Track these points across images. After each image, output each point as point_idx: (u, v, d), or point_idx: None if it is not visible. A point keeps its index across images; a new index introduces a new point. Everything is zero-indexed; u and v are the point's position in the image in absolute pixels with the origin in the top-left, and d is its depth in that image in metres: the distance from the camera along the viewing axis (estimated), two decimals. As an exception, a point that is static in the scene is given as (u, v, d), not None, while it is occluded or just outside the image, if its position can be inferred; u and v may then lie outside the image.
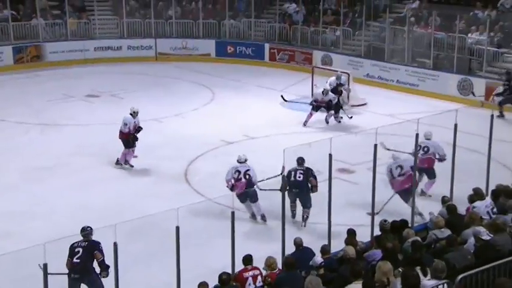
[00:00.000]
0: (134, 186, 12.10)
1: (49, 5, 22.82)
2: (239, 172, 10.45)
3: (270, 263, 7.34)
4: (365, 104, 16.81)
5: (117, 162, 12.96)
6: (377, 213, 9.10)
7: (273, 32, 22.46)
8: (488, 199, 8.67)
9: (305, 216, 10.32)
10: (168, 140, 14.22)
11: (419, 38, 19.35)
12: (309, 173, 10.34)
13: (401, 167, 10.22)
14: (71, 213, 10.72)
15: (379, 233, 8.06)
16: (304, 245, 7.94)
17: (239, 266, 7.44)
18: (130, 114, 12.96)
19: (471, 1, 19.72)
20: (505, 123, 13.76)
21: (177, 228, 6.76)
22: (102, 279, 7.67)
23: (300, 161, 10.45)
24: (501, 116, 15.60)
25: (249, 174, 10.36)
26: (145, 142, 13.93)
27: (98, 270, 7.78)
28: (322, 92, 15.42)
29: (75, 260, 7.71)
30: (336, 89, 16.03)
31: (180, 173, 12.67)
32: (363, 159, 11.74)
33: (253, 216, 10.54)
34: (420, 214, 9.70)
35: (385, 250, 7.09)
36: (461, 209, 8.71)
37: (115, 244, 6.58)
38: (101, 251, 7.68)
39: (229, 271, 7.27)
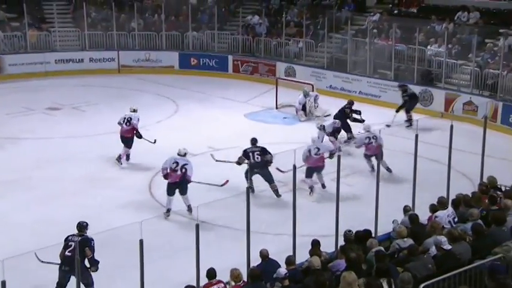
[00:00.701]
0: (97, 199, 11.94)
1: (7, 16, 22.39)
2: (177, 163, 11.04)
3: (235, 275, 7.33)
4: (328, 115, 16.95)
5: (118, 159, 13.41)
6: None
7: (237, 44, 22.53)
8: (450, 208, 8.82)
9: (274, 189, 11.50)
10: (131, 153, 14.09)
11: (380, 49, 19.66)
12: (265, 152, 11.67)
13: (318, 148, 11.82)
14: (33, 228, 10.52)
15: (344, 243, 8.13)
16: (270, 256, 7.95)
17: (204, 278, 7.40)
18: (131, 112, 13.54)
19: (429, 14, 20.17)
20: (464, 133, 14.04)
21: (141, 241, 6.71)
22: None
23: (254, 141, 11.87)
24: (410, 125, 15.69)
25: (185, 168, 10.97)
26: (109, 154, 13.82)
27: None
28: (321, 128, 13.87)
29: (67, 253, 8.13)
30: (344, 112, 15.13)
31: (144, 186, 12.57)
32: (326, 170, 11.83)
33: (168, 211, 11.00)
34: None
35: (348, 260, 7.15)
36: (423, 218, 8.85)
37: (77, 259, 6.48)
38: (92, 248, 8.15)
39: (194, 284, 7.23)
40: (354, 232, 8.25)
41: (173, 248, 9.82)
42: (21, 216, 11.05)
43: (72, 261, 7.83)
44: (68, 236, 8.28)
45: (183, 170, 10.95)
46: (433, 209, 8.92)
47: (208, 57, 22.44)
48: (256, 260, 7.88)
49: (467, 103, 16.90)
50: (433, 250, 7.28)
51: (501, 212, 8.05)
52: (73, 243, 8.06)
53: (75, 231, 8.36)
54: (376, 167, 10.01)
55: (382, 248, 7.66)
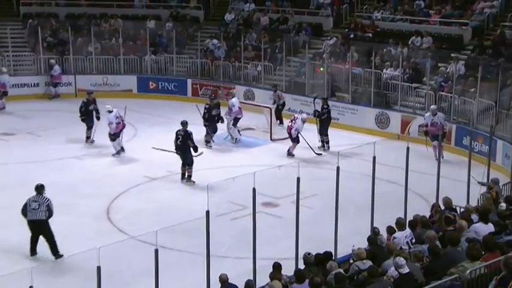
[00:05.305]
0: (53, 225, 11.62)
1: (-41, 41, 22.02)
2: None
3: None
4: (286, 138, 17.06)
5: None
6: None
7: (195, 68, 22.57)
8: (407, 229, 8.93)
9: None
10: (89, 178, 13.91)
11: (337, 73, 19.96)
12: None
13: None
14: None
15: (304, 266, 8.14)
16: (230, 280, 7.90)
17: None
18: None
19: (384, 38, 20.62)
20: (421, 155, 14.30)
21: (98, 268, 6.59)
22: None
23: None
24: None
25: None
26: (66, 180, 13.59)
27: None
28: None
29: (178, 142, 13.80)
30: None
31: (101, 211, 12.39)
32: (286, 193, 11.89)
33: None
34: None
35: (312, 285, 7.15)
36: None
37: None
38: (192, 140, 13.85)
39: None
40: (313, 255, 8.27)
41: (132, 274, 9.69)
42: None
43: (181, 147, 13.83)
44: (178, 130, 13.89)
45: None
46: (390, 231, 9.02)
47: (167, 81, 22.41)
48: (216, 285, 7.82)
49: (422, 125, 17.24)
50: (392, 271, 7.34)
51: (455, 232, 8.19)
52: (180, 137, 13.74)
53: (180, 128, 13.90)
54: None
55: (341, 270, 7.69)
